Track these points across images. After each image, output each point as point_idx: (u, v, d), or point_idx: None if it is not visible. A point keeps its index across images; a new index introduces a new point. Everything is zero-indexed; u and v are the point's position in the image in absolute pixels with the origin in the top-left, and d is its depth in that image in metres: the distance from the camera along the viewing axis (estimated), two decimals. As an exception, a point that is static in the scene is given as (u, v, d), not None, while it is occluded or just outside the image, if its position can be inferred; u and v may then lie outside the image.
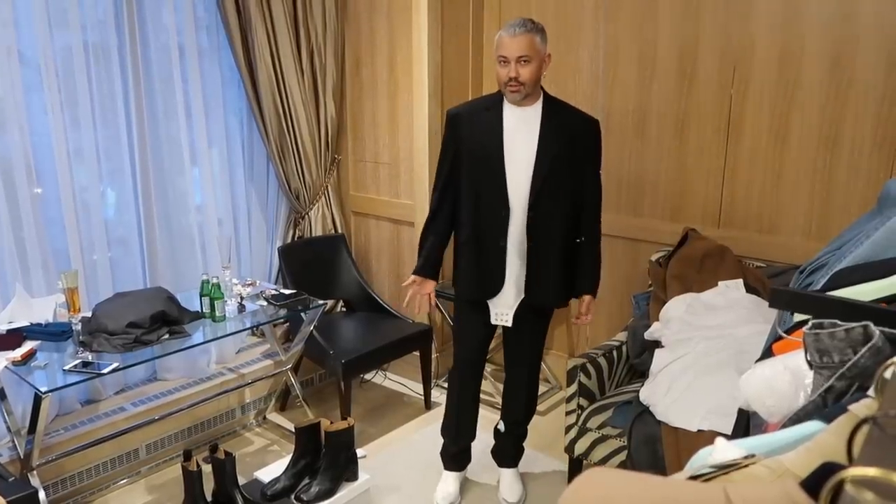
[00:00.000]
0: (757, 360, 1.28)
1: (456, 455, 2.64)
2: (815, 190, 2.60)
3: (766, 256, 2.70)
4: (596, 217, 2.43)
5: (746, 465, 0.69)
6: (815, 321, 0.82)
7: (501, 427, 2.63)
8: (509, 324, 2.40)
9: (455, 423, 2.60)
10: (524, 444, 2.67)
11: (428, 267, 2.44)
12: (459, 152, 2.33)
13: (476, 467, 2.74)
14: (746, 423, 1.21)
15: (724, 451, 0.74)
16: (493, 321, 2.41)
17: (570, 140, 2.26)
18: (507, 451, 2.65)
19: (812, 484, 0.52)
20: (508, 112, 2.27)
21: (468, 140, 2.31)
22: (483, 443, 2.70)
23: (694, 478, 0.71)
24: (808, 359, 0.84)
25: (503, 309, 2.39)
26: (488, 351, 2.59)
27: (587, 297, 2.43)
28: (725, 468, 0.70)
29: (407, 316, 3.35)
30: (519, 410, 2.57)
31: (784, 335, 1.07)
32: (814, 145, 2.57)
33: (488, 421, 2.79)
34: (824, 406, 0.79)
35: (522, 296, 2.36)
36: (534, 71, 2.17)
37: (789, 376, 0.98)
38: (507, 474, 2.65)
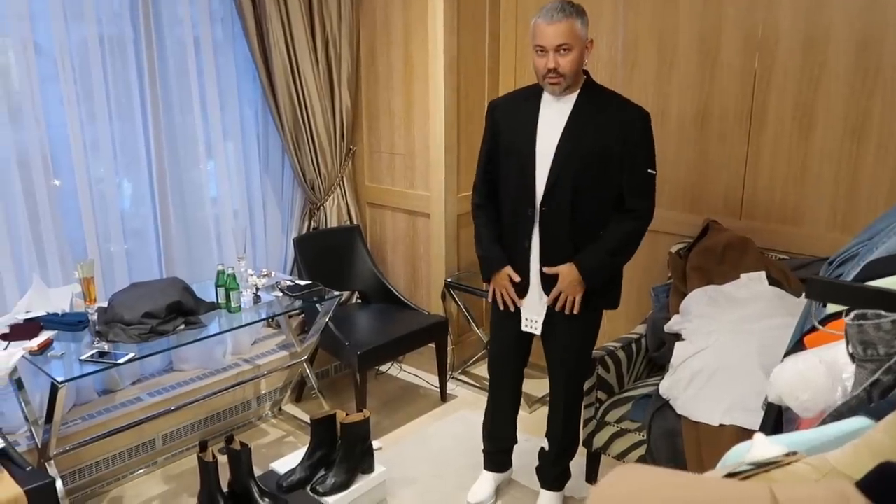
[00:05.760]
0: (786, 354, 1.24)
1: (491, 455, 2.55)
2: (840, 180, 2.54)
3: (790, 248, 2.65)
4: (633, 215, 2.12)
5: (788, 463, 0.65)
6: (856, 312, 0.79)
7: (546, 446, 2.45)
8: (538, 332, 2.24)
9: (489, 422, 2.52)
10: (569, 467, 2.46)
11: (494, 260, 2.24)
12: (497, 145, 2.20)
13: (520, 472, 2.63)
14: (776, 419, 1.17)
15: (762, 447, 0.71)
16: (522, 328, 2.26)
17: (604, 133, 2.04)
18: (545, 471, 2.46)
19: (870, 484, 0.49)
20: (546, 103, 2.10)
21: (504, 133, 2.17)
22: (522, 447, 2.60)
23: (731, 475, 0.68)
24: (851, 351, 0.81)
25: (532, 315, 2.24)
26: (526, 355, 2.41)
27: (564, 268, 2.10)
28: (765, 466, 0.67)
29: (423, 308, 3.34)
30: (556, 427, 2.38)
31: (819, 326, 1.03)
32: (839, 134, 2.51)
33: (531, 424, 2.67)
34: (869, 401, 0.75)
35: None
36: (575, 60, 1.97)
37: (825, 370, 0.95)
38: (544, 497, 2.47)
